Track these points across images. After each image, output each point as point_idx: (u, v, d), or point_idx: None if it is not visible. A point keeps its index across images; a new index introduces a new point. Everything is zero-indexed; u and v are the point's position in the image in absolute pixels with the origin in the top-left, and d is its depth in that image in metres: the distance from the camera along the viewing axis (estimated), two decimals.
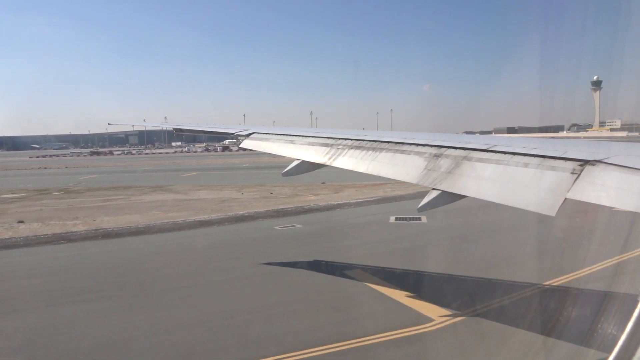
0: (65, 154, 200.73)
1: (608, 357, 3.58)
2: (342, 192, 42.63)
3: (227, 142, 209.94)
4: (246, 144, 16.79)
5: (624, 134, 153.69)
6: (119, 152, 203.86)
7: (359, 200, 36.19)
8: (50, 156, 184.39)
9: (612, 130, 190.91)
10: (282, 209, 32.53)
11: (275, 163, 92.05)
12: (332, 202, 35.42)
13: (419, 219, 26.76)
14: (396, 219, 27.47)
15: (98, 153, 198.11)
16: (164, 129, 22.87)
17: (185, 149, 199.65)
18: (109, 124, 32.27)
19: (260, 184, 52.65)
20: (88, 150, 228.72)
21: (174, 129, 20.93)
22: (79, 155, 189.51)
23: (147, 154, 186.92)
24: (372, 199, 37.10)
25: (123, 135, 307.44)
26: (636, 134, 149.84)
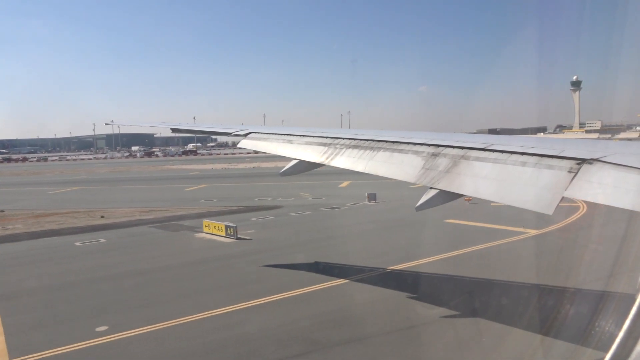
0: None
1: (605, 355, 3.60)
2: None
3: (191, 145, 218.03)
4: (244, 143, 16.79)
5: (595, 136, 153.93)
6: (36, 159, 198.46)
7: None
8: None
9: (587, 132, 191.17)
10: None
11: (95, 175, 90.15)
12: None
13: None
14: None
15: (9, 160, 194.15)
16: (161, 128, 22.89)
17: (130, 155, 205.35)
18: (106, 124, 32.30)
19: None
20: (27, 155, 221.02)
21: (171, 129, 20.97)
22: None
23: (60, 160, 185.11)
24: None
25: (91, 139, 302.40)
26: (608, 135, 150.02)
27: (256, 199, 44.31)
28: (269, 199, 44.35)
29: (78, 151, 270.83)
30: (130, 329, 14.35)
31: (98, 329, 14.34)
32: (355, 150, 12.58)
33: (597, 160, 6.93)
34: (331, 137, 13.81)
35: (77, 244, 27.65)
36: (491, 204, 32.89)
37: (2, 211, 42.46)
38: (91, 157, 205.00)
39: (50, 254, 25.92)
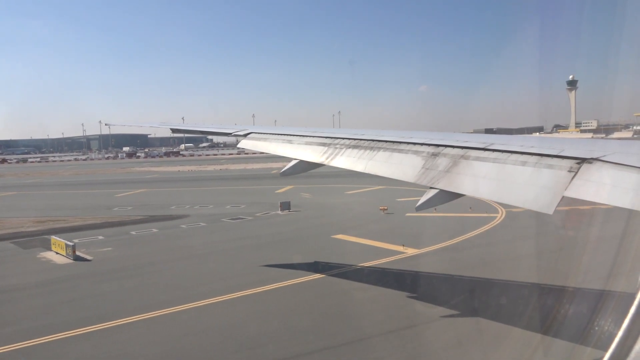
0: None
1: (604, 355, 3.65)
2: None
3: (182, 146, 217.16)
4: (243, 144, 16.84)
5: (589, 135, 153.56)
6: (16, 160, 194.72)
7: None
8: None
9: (581, 131, 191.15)
10: None
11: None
12: None
13: None
14: None
15: None
16: (159, 129, 22.99)
17: (104, 156, 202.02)
18: (105, 124, 32.24)
19: None
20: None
21: (171, 129, 21.02)
22: None
23: (40, 161, 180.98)
24: None
25: (84, 140, 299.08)
26: (602, 135, 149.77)
27: (173, 207, 41.27)
28: (187, 206, 41.50)
29: (71, 152, 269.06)
30: None
31: None
32: (355, 150, 12.65)
33: (597, 159, 7.00)
34: (331, 137, 13.87)
35: None
36: (406, 214, 31.50)
37: None
38: (71, 158, 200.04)
39: None
